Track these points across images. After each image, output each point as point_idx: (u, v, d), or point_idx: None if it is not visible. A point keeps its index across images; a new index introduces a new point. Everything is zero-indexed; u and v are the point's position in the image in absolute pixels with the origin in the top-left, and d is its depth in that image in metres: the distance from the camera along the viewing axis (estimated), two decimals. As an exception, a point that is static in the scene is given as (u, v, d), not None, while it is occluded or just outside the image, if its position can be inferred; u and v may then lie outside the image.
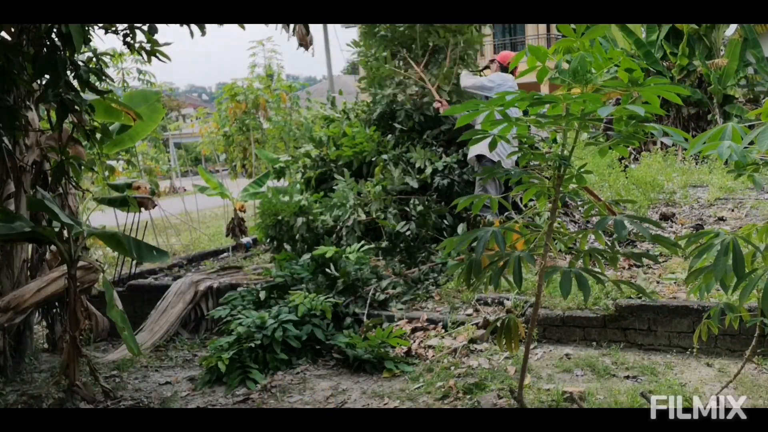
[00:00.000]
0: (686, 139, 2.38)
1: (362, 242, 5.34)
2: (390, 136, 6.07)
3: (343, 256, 4.98)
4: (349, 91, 12.88)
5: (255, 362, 4.10)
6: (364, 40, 6.38)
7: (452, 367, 3.79)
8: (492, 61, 6.18)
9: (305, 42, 5.18)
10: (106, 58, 4.15)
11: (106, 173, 6.85)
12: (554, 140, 4.95)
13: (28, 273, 4.50)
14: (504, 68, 5.90)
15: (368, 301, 4.68)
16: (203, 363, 4.22)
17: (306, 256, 5.18)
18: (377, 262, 5.38)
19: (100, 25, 3.84)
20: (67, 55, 3.57)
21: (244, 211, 7.90)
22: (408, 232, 5.29)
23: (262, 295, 4.85)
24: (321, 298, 4.49)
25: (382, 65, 6.12)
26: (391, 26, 6.09)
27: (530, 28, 26.01)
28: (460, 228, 5.30)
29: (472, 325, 4.22)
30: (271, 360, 4.13)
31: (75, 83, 3.73)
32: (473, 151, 5.41)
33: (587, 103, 2.25)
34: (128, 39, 3.87)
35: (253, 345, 4.13)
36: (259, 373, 4.02)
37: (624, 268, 4.81)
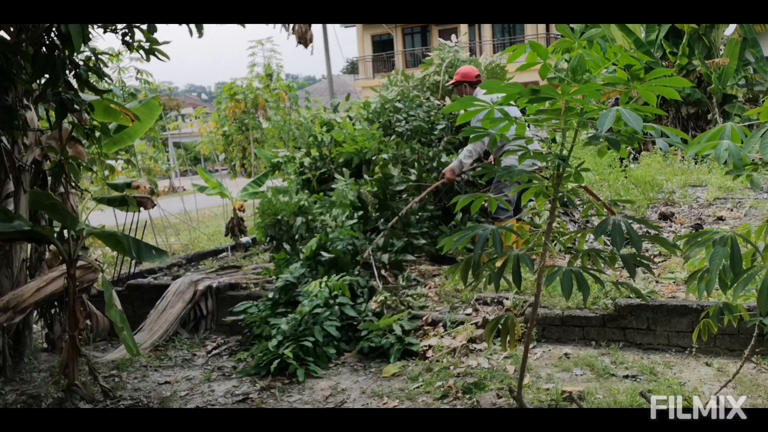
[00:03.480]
0: (685, 141, 2.38)
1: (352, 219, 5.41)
2: (394, 136, 6.08)
3: (330, 237, 5.04)
4: (347, 91, 12.88)
5: (308, 356, 4.15)
6: None
7: (451, 367, 3.79)
8: (457, 84, 5.43)
9: (305, 39, 5.11)
10: (104, 58, 4.14)
11: (106, 173, 6.85)
12: (553, 140, 4.96)
13: (28, 272, 4.49)
14: (473, 83, 5.36)
15: (373, 264, 4.78)
16: (248, 361, 4.30)
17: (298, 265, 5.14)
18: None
19: (99, 24, 3.84)
20: (66, 54, 3.57)
21: (244, 211, 7.89)
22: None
23: (278, 296, 4.79)
24: (335, 278, 4.55)
25: None
26: None
27: (530, 28, 26.08)
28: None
29: (472, 324, 4.22)
30: (321, 354, 4.19)
31: (74, 83, 3.72)
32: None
33: (585, 98, 2.24)
34: (127, 38, 3.87)
35: (308, 341, 4.16)
36: (317, 367, 4.09)
37: (623, 267, 4.80)
